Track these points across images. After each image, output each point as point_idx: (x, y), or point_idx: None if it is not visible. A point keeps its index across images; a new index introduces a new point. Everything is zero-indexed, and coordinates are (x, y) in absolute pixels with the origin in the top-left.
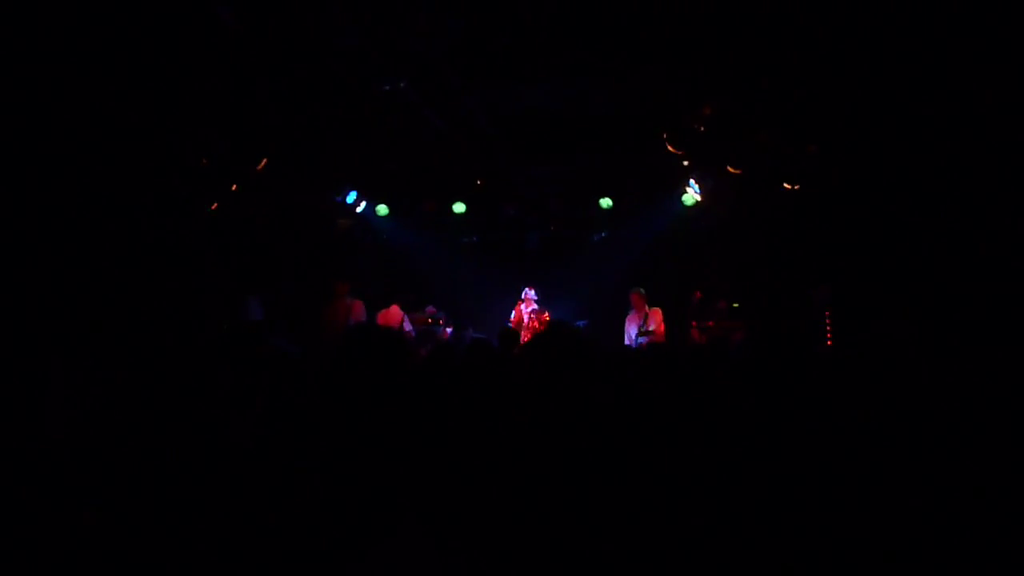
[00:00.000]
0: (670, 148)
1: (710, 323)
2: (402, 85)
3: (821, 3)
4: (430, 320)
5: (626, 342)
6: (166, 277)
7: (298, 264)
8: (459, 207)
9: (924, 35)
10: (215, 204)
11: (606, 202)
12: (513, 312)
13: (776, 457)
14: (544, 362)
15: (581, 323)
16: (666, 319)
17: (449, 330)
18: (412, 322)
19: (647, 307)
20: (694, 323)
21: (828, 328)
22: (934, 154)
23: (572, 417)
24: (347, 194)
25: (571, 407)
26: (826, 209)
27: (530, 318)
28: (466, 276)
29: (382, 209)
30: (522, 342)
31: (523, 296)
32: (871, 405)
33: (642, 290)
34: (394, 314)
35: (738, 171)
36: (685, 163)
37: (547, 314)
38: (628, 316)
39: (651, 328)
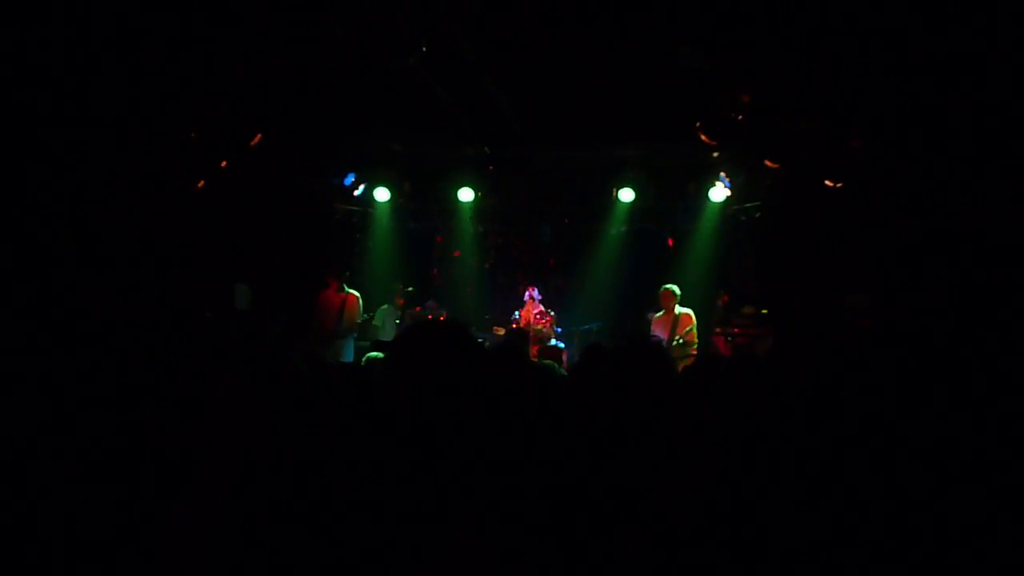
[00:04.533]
0: (703, 137)
1: (735, 330)
2: (412, 60)
3: None
4: (430, 316)
5: None
6: (146, 260)
7: (291, 251)
8: (466, 194)
9: (992, 14)
10: (203, 181)
11: (627, 194)
12: (519, 313)
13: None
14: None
15: (594, 325)
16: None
17: None
18: (411, 317)
19: (677, 309)
20: (718, 330)
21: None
22: (994, 153)
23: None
24: (345, 176)
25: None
26: (870, 209)
27: (536, 320)
28: (471, 269)
29: (382, 193)
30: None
31: (526, 298)
32: (916, 431)
33: (675, 289)
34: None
35: (776, 165)
36: (715, 155)
37: (551, 315)
38: (655, 318)
39: (686, 339)
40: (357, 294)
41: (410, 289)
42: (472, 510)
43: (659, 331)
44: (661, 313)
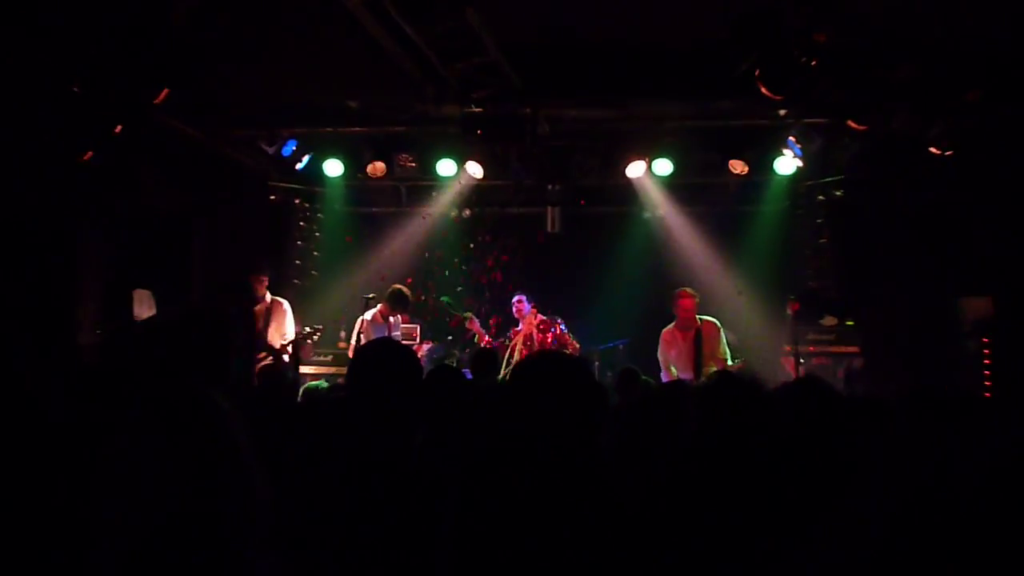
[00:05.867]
0: (763, 90)
1: (811, 348)
2: None
3: None
4: (400, 331)
5: (664, 376)
6: (14, 256)
7: (210, 244)
8: (446, 167)
9: None
10: (89, 152)
11: (662, 167)
12: (521, 325)
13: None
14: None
15: (621, 342)
16: (744, 342)
17: (427, 347)
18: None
19: (699, 319)
20: (787, 348)
21: (987, 360)
22: None
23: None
24: (284, 144)
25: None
26: (990, 185)
27: (540, 335)
28: (454, 269)
29: (333, 167)
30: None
31: (515, 308)
32: None
33: (695, 293)
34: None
35: (862, 127)
36: (782, 112)
37: (560, 324)
38: (667, 331)
39: (726, 357)
40: (285, 303)
41: (371, 296)
42: None
43: (673, 352)
44: (672, 325)
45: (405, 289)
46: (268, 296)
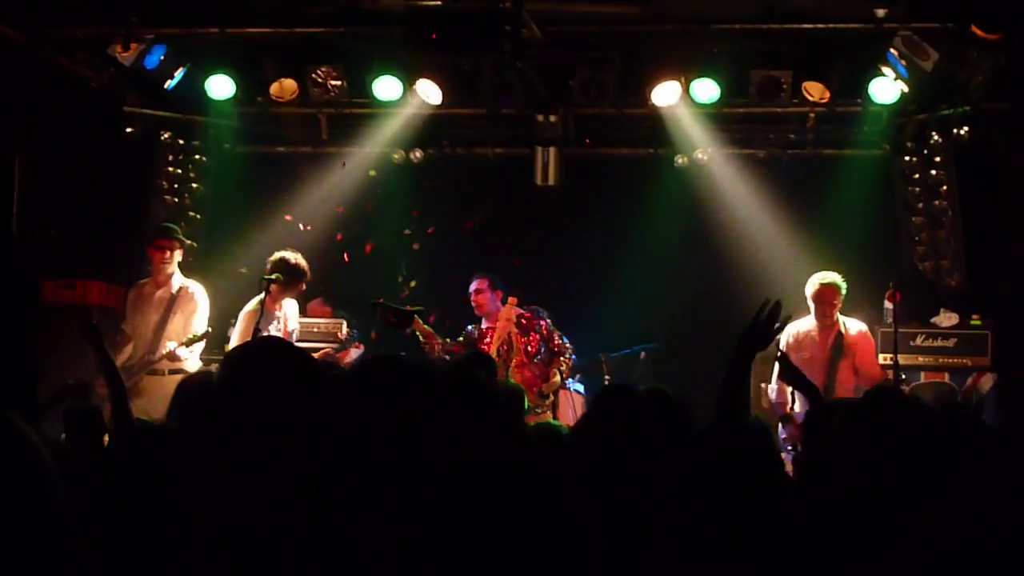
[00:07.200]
0: None
1: (919, 357)
2: None
3: None
4: (317, 328)
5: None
6: None
7: (36, 203)
8: (387, 88)
9: None
10: None
11: (704, 90)
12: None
13: None
14: None
15: (642, 348)
16: None
17: (355, 353)
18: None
19: (843, 323)
20: (887, 358)
21: None
22: None
23: None
24: (147, 52)
25: None
26: None
27: (521, 338)
28: (399, 239)
29: (220, 85)
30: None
31: (474, 299)
32: None
33: (841, 283)
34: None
35: (993, 35)
36: (880, 13)
37: (545, 318)
38: (799, 336)
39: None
40: (200, 290)
41: (275, 276)
42: None
43: (807, 355)
44: (812, 329)
45: (294, 257)
46: (177, 277)
